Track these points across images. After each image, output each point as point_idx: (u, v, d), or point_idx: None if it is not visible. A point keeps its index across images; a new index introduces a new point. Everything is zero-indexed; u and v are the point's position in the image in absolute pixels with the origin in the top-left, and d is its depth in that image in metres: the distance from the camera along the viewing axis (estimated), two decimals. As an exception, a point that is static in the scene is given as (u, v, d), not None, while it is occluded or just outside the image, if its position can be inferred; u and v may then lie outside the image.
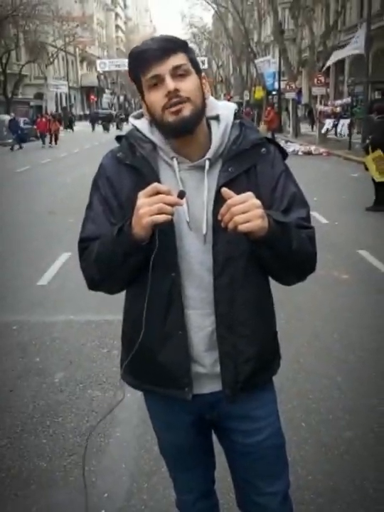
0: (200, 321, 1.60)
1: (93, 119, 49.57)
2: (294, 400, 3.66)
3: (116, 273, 1.57)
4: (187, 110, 1.47)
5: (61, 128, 39.20)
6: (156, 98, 1.48)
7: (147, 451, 3.13)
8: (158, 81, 1.47)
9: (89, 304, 5.36)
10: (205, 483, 1.94)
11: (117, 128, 44.03)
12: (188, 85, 1.48)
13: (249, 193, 1.40)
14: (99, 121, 47.66)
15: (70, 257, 6.95)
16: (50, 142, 30.20)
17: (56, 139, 30.73)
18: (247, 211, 1.37)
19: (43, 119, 30.79)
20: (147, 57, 1.47)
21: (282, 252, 1.50)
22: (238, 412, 1.69)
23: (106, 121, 45.69)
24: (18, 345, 4.66)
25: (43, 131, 30.08)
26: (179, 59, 1.48)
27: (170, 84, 1.46)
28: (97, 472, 3.01)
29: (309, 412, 3.54)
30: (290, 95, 29.19)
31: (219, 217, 1.40)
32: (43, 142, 29.73)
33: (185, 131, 1.50)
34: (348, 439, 3.27)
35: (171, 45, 1.48)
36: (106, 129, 44.01)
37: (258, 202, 1.40)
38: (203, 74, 1.56)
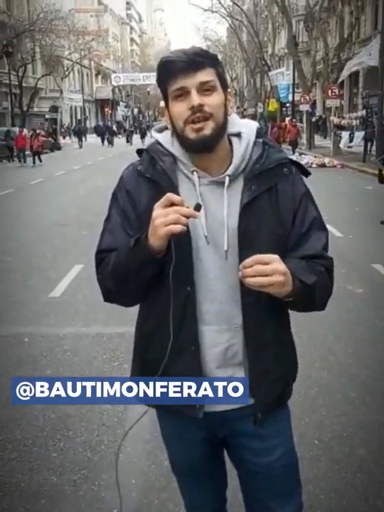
0: (214, 336, 1.58)
1: (101, 132, 46.04)
2: (306, 416, 3.60)
3: (131, 285, 1.57)
4: (208, 129, 1.48)
5: (71, 141, 37.63)
6: (180, 110, 1.49)
7: (157, 466, 3.10)
8: (183, 93, 1.49)
9: (101, 317, 5.36)
10: (216, 500, 1.90)
11: (127, 141, 42.09)
12: (213, 101, 1.49)
13: (276, 256, 1.41)
14: (107, 135, 43.82)
15: (82, 269, 6.96)
16: (34, 162, 25.29)
17: (39, 157, 25.77)
18: (271, 275, 1.38)
19: (23, 134, 26.40)
20: (175, 69, 1.48)
21: (303, 304, 1.58)
22: (249, 431, 1.66)
23: (110, 134, 42.87)
24: (29, 357, 4.65)
25: (21, 148, 25.74)
26: (207, 75, 1.49)
27: (195, 98, 1.47)
28: (107, 487, 2.98)
29: (322, 429, 3.49)
30: (304, 107, 29.27)
31: (240, 267, 1.40)
32: (20, 161, 25.64)
33: (205, 149, 1.51)
34: (362, 456, 3.21)
35: (201, 60, 1.48)
36: (110, 142, 41.32)
37: (283, 268, 1.41)
38: (229, 90, 1.57)
